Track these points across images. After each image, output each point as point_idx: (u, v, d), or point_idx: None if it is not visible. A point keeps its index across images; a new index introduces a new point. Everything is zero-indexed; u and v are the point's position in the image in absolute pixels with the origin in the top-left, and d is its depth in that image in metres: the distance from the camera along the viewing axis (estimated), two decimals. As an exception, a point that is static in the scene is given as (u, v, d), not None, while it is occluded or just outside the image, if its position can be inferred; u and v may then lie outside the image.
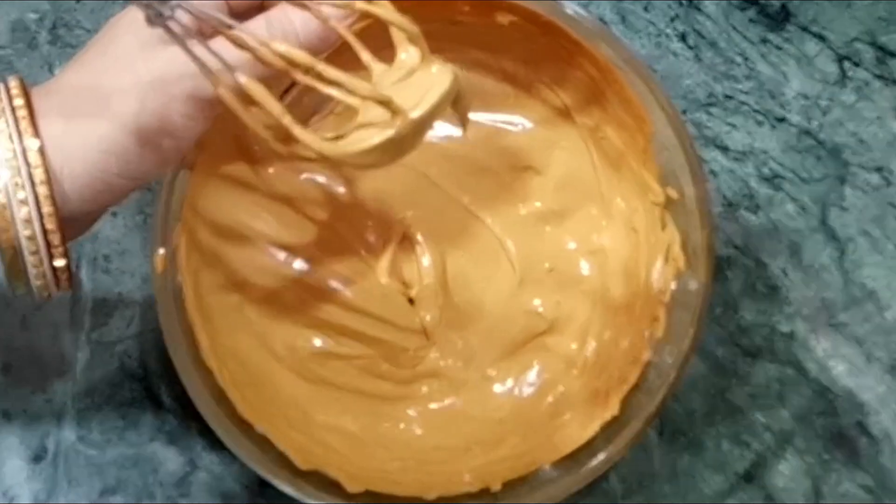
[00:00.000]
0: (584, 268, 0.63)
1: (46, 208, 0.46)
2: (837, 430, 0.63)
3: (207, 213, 0.58)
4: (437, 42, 0.61)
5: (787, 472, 0.63)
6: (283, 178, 0.61)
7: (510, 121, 0.64)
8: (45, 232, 0.46)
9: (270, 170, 0.61)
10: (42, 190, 0.45)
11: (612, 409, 0.57)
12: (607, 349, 0.61)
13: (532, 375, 0.63)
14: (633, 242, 0.62)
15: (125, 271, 0.63)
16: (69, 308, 0.62)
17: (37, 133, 0.46)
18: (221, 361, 0.57)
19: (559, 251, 0.64)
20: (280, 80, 0.54)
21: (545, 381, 0.63)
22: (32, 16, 0.64)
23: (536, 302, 0.64)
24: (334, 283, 0.62)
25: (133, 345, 0.62)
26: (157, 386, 0.62)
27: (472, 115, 0.63)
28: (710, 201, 0.56)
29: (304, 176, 0.62)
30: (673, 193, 0.57)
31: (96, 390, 0.62)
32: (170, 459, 0.61)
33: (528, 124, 0.64)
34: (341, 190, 0.63)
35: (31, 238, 0.46)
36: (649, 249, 0.60)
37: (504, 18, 0.59)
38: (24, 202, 0.45)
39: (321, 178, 0.63)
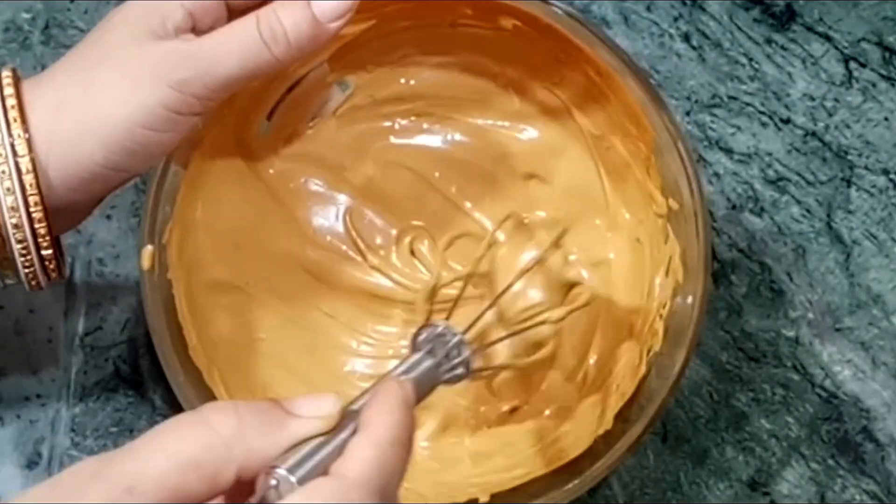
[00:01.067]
0: (588, 279, 0.63)
1: (33, 197, 0.47)
2: (843, 435, 0.63)
3: (202, 211, 0.58)
4: (440, 46, 0.61)
5: (792, 479, 0.62)
6: (281, 179, 0.61)
7: (514, 127, 0.63)
8: (31, 220, 0.47)
9: (270, 170, 0.61)
10: (28, 179, 0.47)
11: (608, 422, 0.57)
12: (607, 362, 0.61)
13: (531, 387, 0.62)
14: (638, 255, 0.61)
15: (119, 275, 0.63)
16: (63, 312, 0.62)
17: (25, 123, 0.47)
18: (211, 361, 0.57)
19: (562, 262, 0.63)
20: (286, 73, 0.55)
21: (543, 394, 0.62)
22: (25, 16, 0.64)
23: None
24: (332, 289, 0.61)
25: (127, 349, 0.62)
26: (152, 391, 0.62)
27: (477, 121, 0.63)
28: (707, 211, 0.56)
29: (303, 178, 0.62)
30: (674, 204, 0.57)
31: (91, 395, 0.61)
32: (164, 465, 0.61)
33: (533, 132, 0.63)
34: (342, 195, 0.62)
35: (18, 226, 0.47)
36: (653, 262, 0.60)
37: (507, 23, 0.59)
38: (10, 191, 0.47)
39: (320, 181, 0.62)
